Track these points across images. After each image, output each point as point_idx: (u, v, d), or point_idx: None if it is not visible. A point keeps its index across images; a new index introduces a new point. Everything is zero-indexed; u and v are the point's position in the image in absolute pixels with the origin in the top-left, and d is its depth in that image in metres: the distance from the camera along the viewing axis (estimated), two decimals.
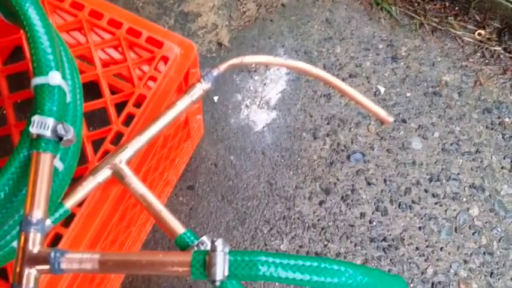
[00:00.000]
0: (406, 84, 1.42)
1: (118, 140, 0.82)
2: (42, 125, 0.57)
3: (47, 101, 0.59)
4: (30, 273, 0.54)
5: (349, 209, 1.30)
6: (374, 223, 1.28)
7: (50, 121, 0.58)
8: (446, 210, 1.31)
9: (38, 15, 0.63)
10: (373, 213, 1.29)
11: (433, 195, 1.32)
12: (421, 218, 1.29)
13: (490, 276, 1.25)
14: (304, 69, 0.89)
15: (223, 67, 0.84)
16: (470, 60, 1.46)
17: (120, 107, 0.85)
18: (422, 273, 1.25)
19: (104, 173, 0.75)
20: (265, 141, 1.35)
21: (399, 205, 1.30)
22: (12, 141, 0.80)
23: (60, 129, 0.58)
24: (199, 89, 0.82)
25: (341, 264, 0.57)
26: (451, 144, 1.37)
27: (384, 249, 1.26)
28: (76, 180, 0.75)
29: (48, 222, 0.69)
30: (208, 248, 0.71)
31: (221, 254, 0.54)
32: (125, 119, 0.84)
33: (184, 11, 1.47)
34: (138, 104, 0.85)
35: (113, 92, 0.87)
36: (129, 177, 0.76)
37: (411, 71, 1.44)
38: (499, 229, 1.30)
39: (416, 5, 1.50)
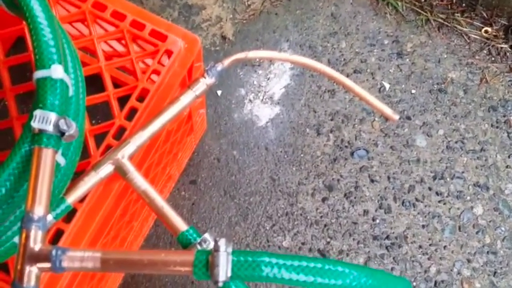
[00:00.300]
0: (411, 80, 1.41)
1: (120, 134, 0.81)
2: (44, 119, 0.56)
3: (49, 95, 0.58)
4: (31, 271, 0.54)
5: (352, 206, 1.29)
6: (377, 221, 1.27)
7: (52, 116, 0.57)
8: (450, 209, 1.30)
9: (41, 6, 0.62)
10: (376, 210, 1.28)
11: (437, 193, 1.31)
12: (425, 216, 1.29)
13: (494, 276, 1.25)
14: (309, 64, 0.88)
15: (227, 62, 0.83)
16: (477, 57, 1.44)
17: (123, 100, 0.84)
18: (425, 271, 1.24)
19: (106, 168, 0.74)
20: (268, 136, 1.34)
21: (403, 203, 1.29)
22: (14, 135, 0.79)
23: (62, 124, 0.57)
24: (203, 83, 0.81)
25: (345, 266, 0.56)
26: (456, 142, 1.36)
27: (386, 247, 1.25)
28: (78, 175, 0.74)
29: (49, 217, 0.68)
30: (211, 246, 0.71)
31: (224, 254, 0.53)
32: (127, 113, 0.83)
33: (188, 4, 1.46)
34: (141, 98, 0.84)
35: (115, 85, 0.86)
36: (132, 173, 0.75)
37: (416, 68, 1.42)
38: (503, 228, 1.29)
39: (422, 0, 1.49)
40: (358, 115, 1.37)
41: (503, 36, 1.45)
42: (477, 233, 1.28)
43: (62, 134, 0.58)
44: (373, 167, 1.32)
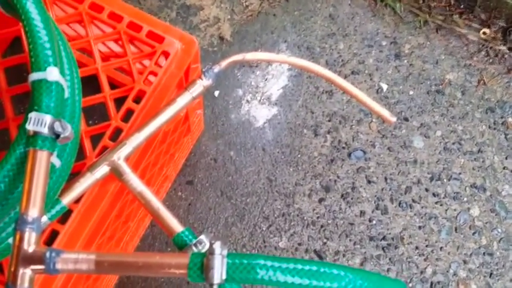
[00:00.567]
0: (409, 82, 1.41)
1: (117, 136, 0.81)
2: (39, 122, 0.56)
3: (44, 97, 0.58)
4: (25, 273, 0.54)
5: (349, 207, 1.29)
6: (374, 221, 1.28)
7: (47, 118, 0.57)
8: (446, 210, 1.30)
9: (37, 9, 0.62)
10: (373, 211, 1.28)
11: (434, 195, 1.31)
12: (421, 217, 1.29)
13: (490, 277, 1.25)
14: (307, 67, 0.88)
15: (224, 63, 0.83)
16: (475, 59, 1.44)
17: (119, 101, 0.84)
18: (421, 272, 1.24)
19: (102, 170, 0.74)
20: (265, 137, 1.34)
21: (399, 204, 1.30)
22: (10, 136, 0.79)
23: (57, 126, 0.57)
24: (200, 85, 0.81)
25: (341, 269, 0.57)
26: (453, 144, 1.36)
27: (383, 248, 1.26)
28: (74, 176, 0.74)
29: (44, 218, 0.68)
30: (207, 247, 0.71)
31: (219, 257, 0.53)
32: (124, 115, 0.83)
33: (186, 4, 1.46)
34: (137, 99, 0.84)
35: (112, 85, 0.86)
36: (128, 174, 0.75)
37: (414, 69, 1.43)
38: (499, 230, 1.29)
39: (421, 2, 1.49)
40: (356, 116, 1.37)
41: (501, 38, 1.45)
42: (473, 234, 1.28)
43: (57, 136, 0.58)
44: (370, 168, 1.32)
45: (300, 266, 0.55)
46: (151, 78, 0.86)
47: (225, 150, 1.32)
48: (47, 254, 0.54)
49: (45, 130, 0.56)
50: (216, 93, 1.37)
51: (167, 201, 1.26)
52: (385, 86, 1.40)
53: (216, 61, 1.35)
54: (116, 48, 1.07)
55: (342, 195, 1.30)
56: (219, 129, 1.34)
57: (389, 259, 1.25)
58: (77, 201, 0.74)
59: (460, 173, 1.33)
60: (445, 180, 1.33)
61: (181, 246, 0.73)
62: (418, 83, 1.41)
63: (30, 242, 0.54)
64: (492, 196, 1.32)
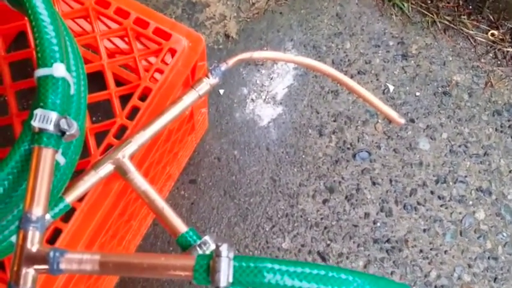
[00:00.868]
0: (416, 83, 1.40)
1: (122, 133, 0.80)
2: (44, 119, 0.55)
3: (50, 94, 0.57)
4: (28, 272, 0.52)
5: (353, 208, 1.28)
6: (378, 224, 1.27)
7: (53, 115, 0.56)
8: (451, 213, 1.29)
9: (44, 3, 0.61)
10: (377, 213, 1.27)
11: (439, 197, 1.30)
12: (426, 220, 1.28)
13: (494, 282, 1.24)
14: (314, 66, 0.87)
15: (231, 62, 0.82)
16: (482, 60, 1.43)
17: (125, 98, 0.83)
18: (425, 276, 1.23)
19: (106, 168, 0.73)
20: (270, 136, 1.33)
21: (404, 206, 1.28)
22: (14, 131, 0.78)
23: (63, 123, 0.56)
24: (207, 83, 0.80)
25: (349, 273, 0.56)
26: (459, 146, 1.35)
27: (387, 251, 1.25)
28: (78, 173, 0.73)
29: (47, 217, 0.67)
30: (211, 248, 0.70)
31: (226, 260, 0.52)
32: (129, 112, 0.82)
33: (192, 1, 1.44)
34: (143, 97, 0.83)
35: (118, 82, 0.85)
36: (132, 173, 0.74)
37: (421, 70, 1.41)
38: (504, 234, 1.28)
39: (429, 2, 1.47)
40: (361, 117, 1.36)
41: (509, 40, 1.44)
42: (478, 238, 1.27)
43: (63, 133, 0.57)
44: (375, 170, 1.31)
45: (307, 270, 0.54)
46: (157, 75, 0.85)
47: (229, 149, 1.31)
48: (51, 254, 0.53)
49: (50, 127, 0.55)
50: (221, 91, 1.36)
51: (170, 200, 1.25)
52: (391, 87, 1.39)
53: (221, 59, 1.34)
54: (122, 44, 1.06)
55: (346, 197, 1.29)
56: (223, 128, 1.33)
57: (393, 262, 1.24)
58: (81, 199, 0.73)
59: (465, 176, 1.32)
60: (450, 183, 1.31)
61: (185, 246, 0.72)
62: (425, 84, 1.40)
63: (34, 241, 0.53)
64: (498, 200, 1.31)
